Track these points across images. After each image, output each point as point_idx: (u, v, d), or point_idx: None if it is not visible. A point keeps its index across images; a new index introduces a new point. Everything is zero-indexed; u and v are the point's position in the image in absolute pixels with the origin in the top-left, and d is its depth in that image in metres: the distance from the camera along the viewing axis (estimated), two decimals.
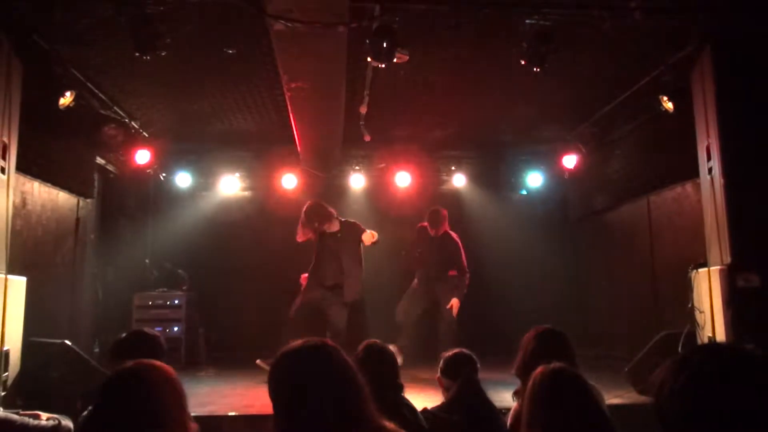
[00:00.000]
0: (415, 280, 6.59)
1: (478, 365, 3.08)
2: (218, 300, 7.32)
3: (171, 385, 1.76)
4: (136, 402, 1.68)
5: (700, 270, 4.53)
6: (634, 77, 5.50)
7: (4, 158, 4.05)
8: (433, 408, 3.02)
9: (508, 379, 3.16)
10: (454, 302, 6.16)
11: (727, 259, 4.16)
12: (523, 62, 4.41)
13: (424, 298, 6.47)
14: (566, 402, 1.75)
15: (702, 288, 4.45)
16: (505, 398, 3.51)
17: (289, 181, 7.82)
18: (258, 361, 5.70)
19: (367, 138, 6.69)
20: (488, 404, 2.96)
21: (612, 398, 4.46)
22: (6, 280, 3.94)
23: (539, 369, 1.86)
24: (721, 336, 4.13)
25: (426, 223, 6.49)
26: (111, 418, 1.67)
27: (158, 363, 1.81)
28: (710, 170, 4.43)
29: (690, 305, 4.61)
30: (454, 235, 6.53)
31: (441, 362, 3.09)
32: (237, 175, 8.09)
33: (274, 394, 1.67)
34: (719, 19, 4.26)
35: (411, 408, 2.79)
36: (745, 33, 4.26)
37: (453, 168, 8.31)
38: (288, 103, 5.71)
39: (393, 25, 4.17)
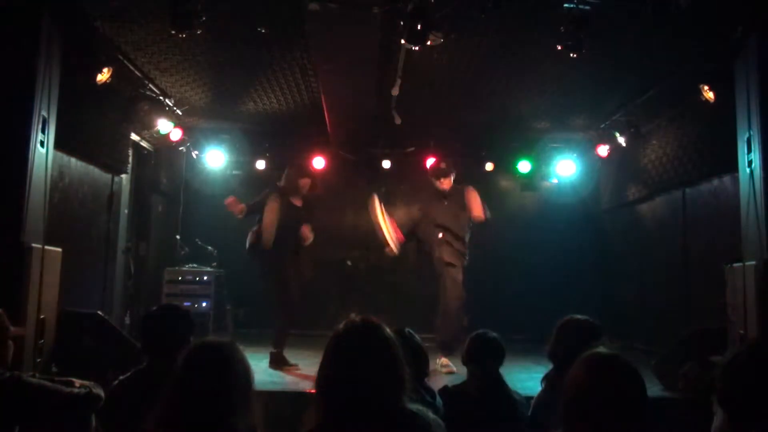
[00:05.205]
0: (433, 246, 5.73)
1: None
2: (246, 278, 7.41)
3: (247, 364, 1.80)
4: (224, 375, 1.70)
5: (735, 265, 4.43)
6: (674, 65, 5.34)
7: (43, 132, 4.13)
8: (453, 387, 3.03)
9: (531, 365, 3.16)
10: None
11: (764, 255, 4.05)
12: (559, 48, 4.31)
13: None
14: (615, 389, 1.61)
15: (736, 284, 4.35)
16: (526, 386, 3.50)
17: (319, 162, 7.85)
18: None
19: (398, 121, 6.65)
20: (509, 398, 2.93)
21: None
22: (43, 250, 4.05)
23: (590, 353, 1.73)
24: (753, 333, 4.04)
25: (439, 179, 5.74)
26: (197, 388, 1.68)
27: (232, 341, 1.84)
28: (750, 163, 4.30)
29: (722, 301, 4.52)
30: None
31: (468, 341, 3.06)
32: (267, 155, 8.15)
33: (319, 370, 1.67)
34: (767, 6, 4.10)
35: (431, 392, 2.81)
36: None
37: (483, 153, 8.24)
38: (320, 85, 5.71)
39: (427, 7, 4.12)
